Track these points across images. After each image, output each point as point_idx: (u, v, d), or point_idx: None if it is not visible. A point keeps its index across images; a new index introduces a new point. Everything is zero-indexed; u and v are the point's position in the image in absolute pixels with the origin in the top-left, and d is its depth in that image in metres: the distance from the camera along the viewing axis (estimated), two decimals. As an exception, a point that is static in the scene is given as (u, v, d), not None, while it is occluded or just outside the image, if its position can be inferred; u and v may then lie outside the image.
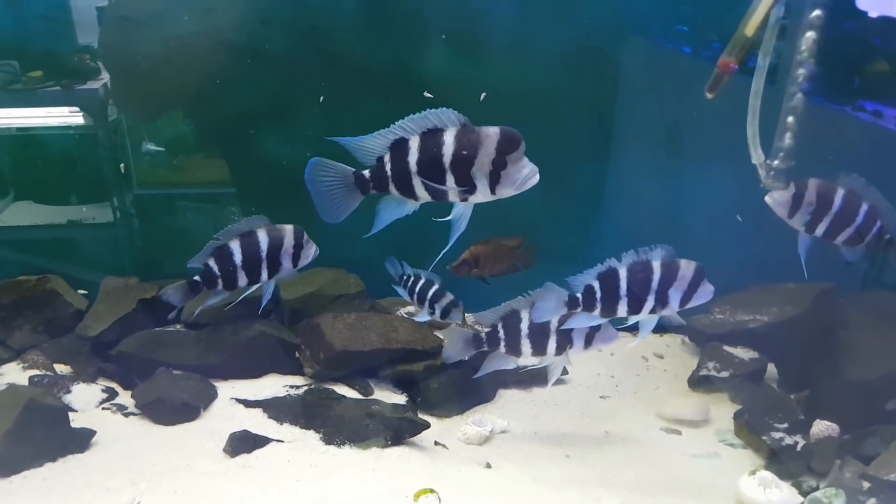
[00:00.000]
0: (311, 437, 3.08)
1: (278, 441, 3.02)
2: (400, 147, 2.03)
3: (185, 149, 4.09)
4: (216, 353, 3.37)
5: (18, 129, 3.99)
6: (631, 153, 4.26)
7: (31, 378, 3.26)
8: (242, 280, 2.78)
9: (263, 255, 2.65)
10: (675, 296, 2.51)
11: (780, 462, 3.09)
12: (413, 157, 1.99)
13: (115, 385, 3.40)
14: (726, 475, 3.03)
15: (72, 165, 4.15)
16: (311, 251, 2.81)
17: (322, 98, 3.73)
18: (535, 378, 3.75)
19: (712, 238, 3.92)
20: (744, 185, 3.93)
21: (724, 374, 3.66)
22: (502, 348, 2.85)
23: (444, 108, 1.99)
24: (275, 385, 3.38)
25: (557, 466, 3.09)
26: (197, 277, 2.81)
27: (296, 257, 2.72)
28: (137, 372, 3.39)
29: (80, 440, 2.94)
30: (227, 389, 3.34)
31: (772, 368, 3.73)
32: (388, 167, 2.05)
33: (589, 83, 4.04)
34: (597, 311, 2.55)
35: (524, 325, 2.77)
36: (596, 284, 2.52)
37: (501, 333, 2.83)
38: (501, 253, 3.16)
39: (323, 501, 2.67)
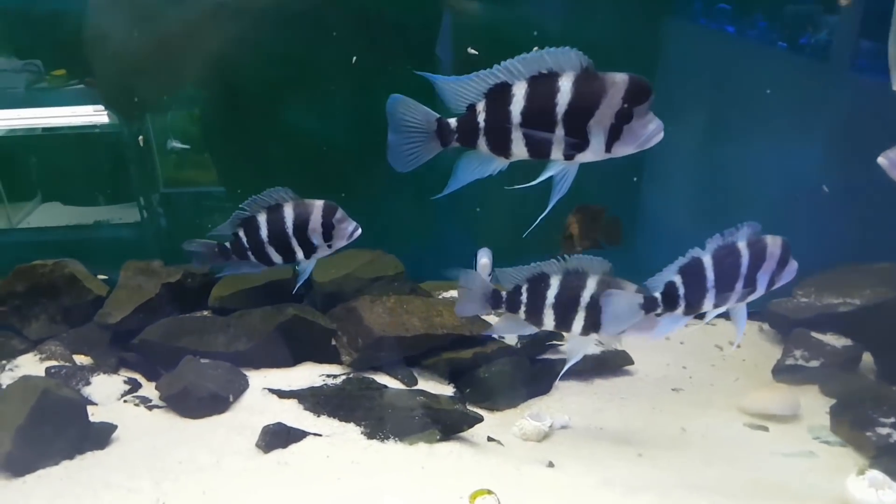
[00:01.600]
0: (352, 431, 2.75)
1: (316, 435, 2.70)
2: (500, 93, 1.76)
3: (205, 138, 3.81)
4: (246, 340, 3.07)
5: (44, 129, 3.84)
6: (694, 124, 3.88)
7: (47, 370, 3.00)
8: (276, 257, 2.58)
9: (291, 231, 2.47)
10: (762, 278, 2.21)
11: (889, 461, 2.66)
12: (516, 106, 1.74)
13: (138, 376, 3.13)
14: (825, 476, 2.63)
15: (98, 165, 3.99)
16: (346, 230, 2.54)
17: (354, 59, 3.41)
18: (597, 369, 3.39)
19: (792, 212, 3.63)
20: (830, 152, 3.64)
21: (814, 363, 3.25)
22: (522, 314, 2.49)
23: (565, 48, 1.71)
24: (310, 374, 3.06)
25: (629, 467, 2.72)
26: (227, 244, 2.62)
27: (327, 236, 2.48)
28: (162, 361, 3.11)
29: (100, 436, 2.66)
30: (259, 379, 3.03)
31: (867, 358, 3.30)
32: (481, 116, 1.78)
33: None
34: (679, 310, 2.25)
35: (551, 293, 2.40)
36: (678, 280, 2.22)
37: (524, 297, 2.46)
38: (593, 225, 2.79)
39: (367, 504, 2.35)
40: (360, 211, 3.57)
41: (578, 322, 2.43)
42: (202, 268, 2.95)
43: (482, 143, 1.82)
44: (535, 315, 2.47)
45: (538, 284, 2.43)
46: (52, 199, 4.11)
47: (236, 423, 2.79)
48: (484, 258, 3.08)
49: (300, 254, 2.59)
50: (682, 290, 2.26)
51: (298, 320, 3.11)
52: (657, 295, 2.32)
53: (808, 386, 3.23)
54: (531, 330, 2.54)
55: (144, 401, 2.94)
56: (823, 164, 3.54)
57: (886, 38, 2.63)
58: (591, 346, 2.51)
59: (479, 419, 2.81)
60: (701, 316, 2.36)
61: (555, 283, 2.41)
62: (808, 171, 3.53)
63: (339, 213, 2.54)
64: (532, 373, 3.29)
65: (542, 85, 1.74)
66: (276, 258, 2.61)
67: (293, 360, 3.13)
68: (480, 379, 3.15)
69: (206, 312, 3.31)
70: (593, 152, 1.78)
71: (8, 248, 3.94)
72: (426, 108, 1.85)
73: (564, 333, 2.52)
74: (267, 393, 2.93)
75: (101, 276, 3.46)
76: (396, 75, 3.54)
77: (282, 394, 2.93)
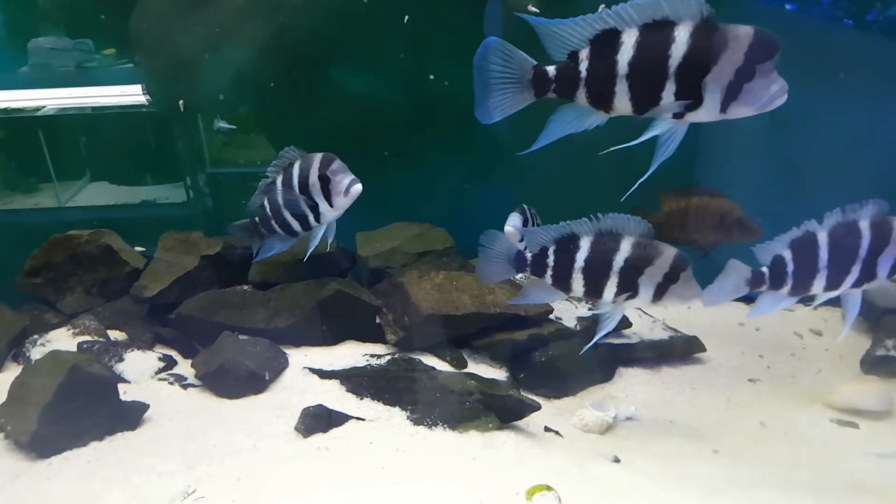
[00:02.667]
0: (398, 416, 2.54)
1: (358, 419, 2.49)
2: (608, 41, 1.61)
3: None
4: (287, 316, 2.87)
5: (94, 108, 3.73)
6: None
7: (79, 345, 2.86)
8: (294, 224, 2.45)
9: (297, 189, 2.33)
10: (884, 264, 1.99)
11: None
12: (625, 56, 1.60)
13: (174, 353, 2.97)
14: (930, 483, 2.32)
15: (145, 145, 3.92)
16: (341, 183, 2.28)
17: (407, 18, 3.17)
18: (665, 356, 3.11)
19: (861, 189, 3.35)
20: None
21: (910, 354, 2.90)
22: (549, 278, 2.23)
23: None
24: (353, 353, 2.85)
25: (706, 465, 2.44)
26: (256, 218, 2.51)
27: (325, 192, 2.28)
28: (199, 337, 2.94)
29: (131, 416, 2.50)
30: (300, 357, 2.83)
31: (973, 349, 2.94)
32: (583, 65, 1.64)
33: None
34: (786, 289, 2.06)
35: (580, 256, 2.15)
36: (788, 255, 2.02)
37: (551, 259, 2.21)
38: (709, 214, 2.50)
39: (414, 497, 2.12)
40: (409, 183, 3.34)
41: (610, 289, 2.16)
42: (250, 244, 2.79)
43: (581, 94, 1.68)
44: (562, 280, 2.22)
45: (567, 246, 2.18)
46: (101, 179, 4.06)
47: (275, 403, 2.60)
48: (511, 223, 2.76)
49: (310, 217, 2.40)
50: (791, 267, 2.02)
51: (341, 296, 2.90)
52: (764, 270, 2.08)
53: (903, 380, 2.89)
54: (559, 296, 2.29)
55: (179, 379, 2.78)
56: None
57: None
58: (622, 312, 2.22)
59: (537, 407, 2.56)
60: (809, 299, 2.09)
61: (585, 246, 2.16)
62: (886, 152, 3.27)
63: (336, 164, 2.31)
64: (593, 358, 3.02)
65: (656, 34, 1.59)
66: (295, 225, 2.47)
67: (336, 337, 2.93)
68: (536, 363, 2.91)
69: (246, 287, 3.13)
70: (707, 112, 1.61)
71: (55, 227, 3.88)
72: (524, 53, 1.71)
73: (596, 301, 2.26)
74: (308, 372, 2.74)
75: (138, 248, 3.31)
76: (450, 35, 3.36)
77: (323, 374, 2.73)
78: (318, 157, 2.29)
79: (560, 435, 2.59)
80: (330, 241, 2.61)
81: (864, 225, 1.97)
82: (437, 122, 3.49)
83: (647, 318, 3.29)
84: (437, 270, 3.12)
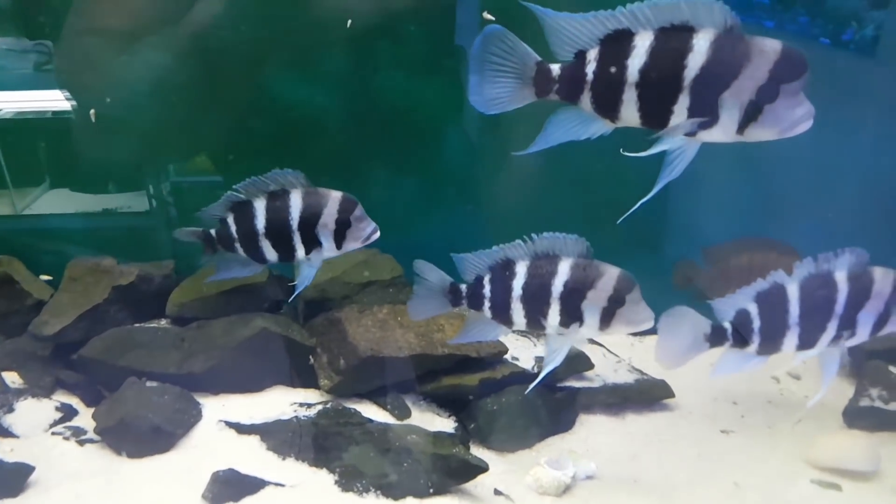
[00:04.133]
0: (324, 480, 2.21)
1: (277, 485, 2.16)
2: (619, 42, 1.47)
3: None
4: (203, 359, 2.52)
5: (54, 112, 3.46)
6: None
7: (-38, 390, 2.48)
8: (270, 253, 2.21)
9: (295, 224, 2.14)
10: (865, 320, 1.80)
11: None
12: (636, 60, 1.46)
13: (75, 401, 2.58)
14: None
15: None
16: (363, 230, 2.10)
17: (350, 22, 2.87)
18: (630, 401, 2.83)
19: (854, 219, 3.18)
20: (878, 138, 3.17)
21: (895, 405, 2.65)
22: (487, 311, 1.97)
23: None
24: (280, 402, 2.51)
25: (673, 535, 2.16)
26: (213, 231, 2.24)
27: (339, 235, 2.11)
28: (105, 383, 2.58)
29: (13, 481, 2.13)
30: (217, 408, 2.48)
31: (962, 399, 2.70)
32: (590, 67, 1.50)
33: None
34: (753, 348, 1.85)
35: (517, 283, 1.90)
36: (753, 309, 1.82)
37: (487, 290, 1.95)
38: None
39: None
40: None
41: (553, 317, 1.90)
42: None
43: (586, 98, 1.53)
44: (501, 311, 1.95)
45: (503, 273, 1.93)
46: (61, 186, 3.76)
47: (182, 465, 2.25)
48: None
49: (301, 252, 2.16)
50: (757, 323, 1.79)
51: (267, 334, 2.55)
52: (727, 325, 1.84)
53: (887, 434, 2.64)
54: (502, 331, 2.03)
55: (77, 433, 2.41)
56: (875, 164, 3.19)
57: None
58: (569, 344, 1.98)
59: (485, 468, 2.26)
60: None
61: (521, 271, 1.91)
62: (860, 172, 3.19)
63: (359, 209, 2.09)
64: (552, 404, 2.74)
65: (673, 40, 1.44)
66: (271, 254, 2.22)
67: (261, 383, 2.58)
68: (488, 412, 2.60)
69: (164, 321, 2.78)
70: (722, 131, 1.46)
71: (11, 236, 3.54)
72: (527, 47, 1.53)
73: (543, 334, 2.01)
74: (224, 426, 2.39)
75: (44, 277, 2.94)
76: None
77: (241, 428, 2.38)
78: (336, 197, 2.07)
79: (511, 500, 2.29)
80: (311, 277, 2.27)
81: (841, 276, 1.76)
82: (385, 135, 3.20)
83: (612, 359, 3.01)
84: (382, 304, 2.81)
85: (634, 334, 3.23)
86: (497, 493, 2.31)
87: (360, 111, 3.17)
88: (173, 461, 2.27)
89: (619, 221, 1.66)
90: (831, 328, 1.82)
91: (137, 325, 2.74)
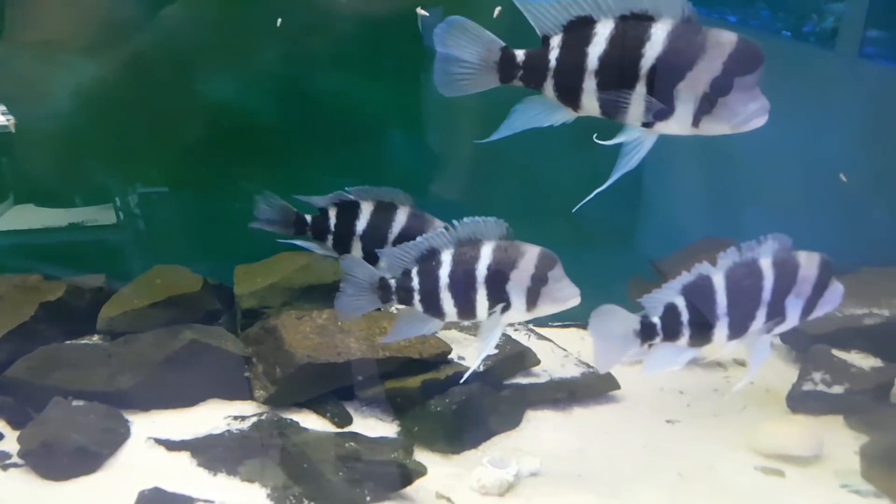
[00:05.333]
0: (256, 495, 2.15)
1: (206, 502, 2.09)
2: (581, 29, 1.47)
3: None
4: (131, 375, 2.44)
5: (17, 125, 3.28)
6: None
7: None
8: (357, 251, 2.25)
9: (391, 237, 2.19)
10: (793, 305, 1.80)
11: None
12: (596, 48, 1.46)
13: (2, 424, 2.47)
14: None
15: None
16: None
17: (280, 21, 2.80)
18: (577, 395, 2.80)
19: (798, 205, 3.20)
20: (838, 130, 3.19)
21: (837, 388, 2.67)
22: (417, 304, 1.94)
23: None
24: (214, 416, 2.45)
25: (616, 530, 2.14)
26: (308, 216, 2.29)
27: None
28: (35, 403, 2.47)
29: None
30: (147, 425, 2.41)
31: (902, 379, 2.72)
32: (553, 54, 1.50)
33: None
34: (683, 340, 1.83)
35: (444, 273, 1.87)
36: (680, 302, 1.80)
37: (415, 282, 1.91)
38: None
39: None
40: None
41: (482, 304, 1.87)
42: (263, 228, 2.42)
43: (549, 86, 1.52)
44: (431, 304, 1.92)
45: (429, 264, 1.89)
46: (26, 201, 3.63)
47: (109, 486, 2.17)
48: None
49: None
50: (686, 316, 1.77)
51: (198, 346, 2.49)
52: (656, 320, 1.81)
53: (831, 418, 2.65)
54: (435, 325, 2.00)
55: (2, 457, 2.31)
56: (834, 156, 3.20)
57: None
58: (501, 329, 1.94)
59: (422, 473, 2.21)
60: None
61: (446, 260, 1.88)
62: (819, 164, 3.17)
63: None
64: (498, 403, 2.70)
65: (631, 28, 1.42)
66: (357, 253, 2.25)
67: (194, 398, 2.51)
68: (432, 414, 2.55)
69: (96, 338, 2.70)
70: (678, 123, 1.45)
71: None
72: (491, 34, 1.53)
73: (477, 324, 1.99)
74: (153, 444, 2.32)
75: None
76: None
77: (171, 445, 2.31)
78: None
79: (452, 503, 2.25)
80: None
81: (766, 263, 1.74)
82: (323, 136, 3.13)
83: (560, 353, 2.99)
84: (323, 309, 2.74)
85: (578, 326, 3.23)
86: (439, 496, 2.26)
87: (307, 113, 3.11)
88: (100, 482, 2.20)
89: (574, 210, 1.66)
90: (760, 315, 1.81)
91: (68, 342, 2.66)
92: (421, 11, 2.83)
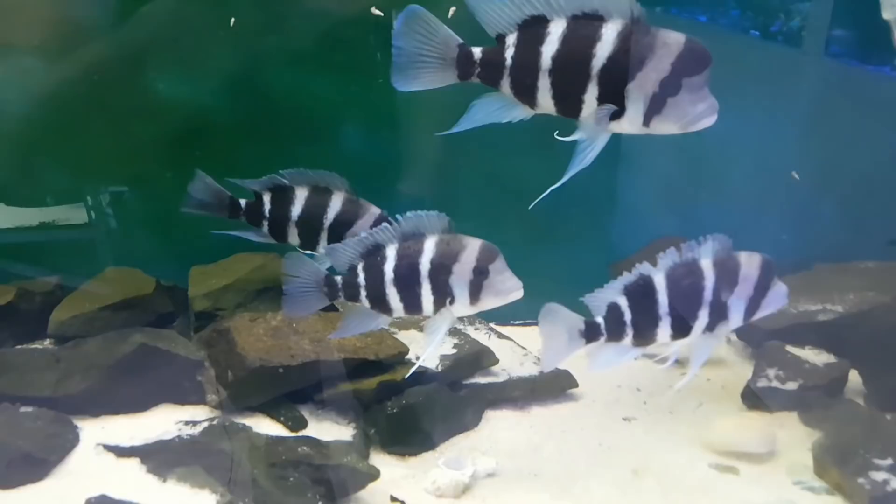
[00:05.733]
0: (206, 501, 2.12)
1: (155, 510, 2.07)
2: (535, 28, 1.48)
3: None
4: (79, 379, 2.40)
5: None
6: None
7: None
8: (293, 238, 2.32)
9: (327, 222, 2.22)
10: (735, 305, 1.81)
11: (887, 516, 2.14)
12: (549, 47, 1.47)
13: (-51, 428, 2.45)
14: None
15: None
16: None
17: (233, 21, 2.75)
18: (535, 394, 2.81)
19: (757, 202, 3.23)
20: (803, 128, 3.22)
21: (791, 385, 2.69)
22: (364, 300, 1.93)
23: None
24: (165, 421, 2.41)
25: (567, 529, 2.15)
26: (243, 201, 2.31)
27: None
28: (-19, 408, 2.44)
29: None
30: (96, 430, 2.37)
31: (854, 377, 2.76)
32: (509, 52, 1.51)
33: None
34: (627, 340, 1.84)
35: (389, 268, 1.86)
36: (623, 302, 1.82)
37: (361, 278, 1.90)
38: None
39: None
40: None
41: (427, 299, 1.86)
42: (194, 211, 2.43)
43: (506, 84, 1.53)
44: (378, 300, 1.91)
45: (374, 259, 1.88)
46: None
47: (56, 494, 2.13)
48: None
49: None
50: (628, 316, 1.78)
51: (148, 350, 2.45)
52: (599, 320, 1.82)
53: (785, 414, 2.67)
54: (382, 321, 1.99)
55: (-54, 463, 2.27)
56: (798, 154, 3.25)
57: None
58: (449, 322, 1.91)
59: (374, 475, 2.20)
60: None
61: (391, 255, 1.87)
62: (782, 161, 3.18)
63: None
64: (455, 403, 2.70)
65: (582, 28, 1.44)
66: (294, 239, 2.31)
67: (145, 402, 2.48)
68: (388, 415, 2.54)
69: (47, 342, 2.65)
70: (629, 123, 1.47)
71: None
72: (448, 29, 1.56)
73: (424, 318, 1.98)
74: (102, 450, 2.28)
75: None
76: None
77: (120, 451, 2.27)
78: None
79: (406, 505, 2.24)
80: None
81: (706, 264, 1.75)
82: (282, 134, 3.09)
83: (519, 352, 2.99)
84: (277, 310, 2.72)
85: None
86: (393, 499, 2.25)
87: (261, 111, 3.07)
88: (46, 490, 2.16)
89: (530, 207, 1.66)
90: (702, 315, 1.82)
91: (18, 346, 2.62)
92: (375, 11, 2.81)
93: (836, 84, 3.33)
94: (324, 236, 2.32)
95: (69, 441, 2.29)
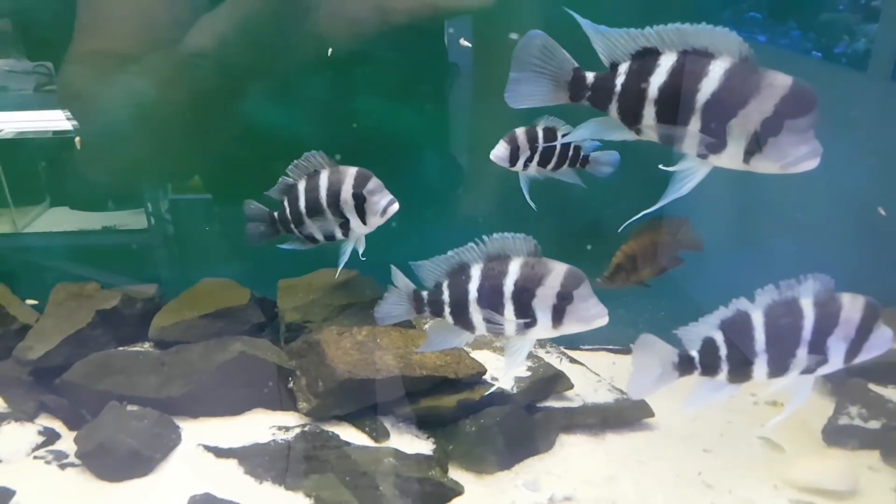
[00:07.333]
0: (299, 502, 2.22)
1: (252, 510, 2.18)
2: (647, 59, 1.55)
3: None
4: (182, 383, 2.55)
5: (54, 132, 3.59)
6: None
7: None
8: (317, 234, 2.38)
9: (325, 202, 2.27)
10: (837, 347, 1.77)
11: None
12: (657, 78, 1.53)
13: (58, 424, 2.61)
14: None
15: None
16: (379, 203, 2.21)
17: (330, 51, 2.91)
18: (609, 421, 2.83)
19: (844, 238, 3.17)
20: (866, 162, 3.16)
21: (874, 423, 2.65)
22: (448, 316, 1.99)
23: (724, 28, 1.49)
24: (259, 425, 2.53)
25: (648, 559, 2.16)
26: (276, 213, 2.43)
27: (359, 210, 2.21)
28: (88, 407, 2.60)
29: (-8, 504, 2.17)
30: (196, 431, 2.51)
31: (941, 416, 2.70)
32: (620, 79, 1.58)
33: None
34: (722, 376, 1.82)
35: (473, 287, 1.91)
36: (719, 337, 1.80)
37: (446, 295, 1.96)
38: (663, 244, 2.34)
39: None
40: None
41: (508, 318, 1.91)
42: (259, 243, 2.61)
43: (614, 108, 1.61)
44: (461, 316, 1.97)
45: (459, 278, 1.94)
46: (61, 204, 3.92)
47: (161, 489, 2.27)
48: (496, 154, 2.51)
49: (338, 232, 2.32)
50: (724, 351, 1.79)
51: (245, 358, 2.58)
52: (694, 354, 1.84)
53: (867, 452, 2.63)
54: (465, 337, 2.05)
55: (59, 456, 2.44)
56: (874, 184, 3.15)
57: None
58: (529, 345, 1.99)
59: (459, 491, 2.27)
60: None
61: (476, 274, 1.92)
62: (856, 191, 3.10)
63: (373, 182, 2.18)
64: (531, 425, 2.74)
65: (691, 63, 1.50)
66: (318, 234, 2.40)
67: (240, 407, 2.60)
68: (466, 433, 2.61)
69: (147, 345, 2.81)
70: (729, 158, 1.52)
71: (12, 253, 3.72)
72: (566, 53, 1.62)
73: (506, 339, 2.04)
74: (202, 450, 2.41)
75: (29, 302, 2.98)
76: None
77: (220, 452, 2.40)
78: (351, 173, 2.19)
79: (487, 522, 2.30)
80: (361, 252, 2.42)
81: (807, 303, 1.74)
82: (369, 158, 3.24)
83: (592, 378, 3.02)
84: (361, 326, 2.83)
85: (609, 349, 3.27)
86: (475, 515, 2.32)
87: (343, 135, 3.21)
88: (151, 485, 2.30)
89: (620, 230, 1.78)
90: (801, 355, 1.81)
91: (120, 348, 2.78)
92: (464, 42, 2.94)
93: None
94: (330, 214, 2.37)
95: (172, 440, 2.43)
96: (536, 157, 2.43)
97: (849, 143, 3.20)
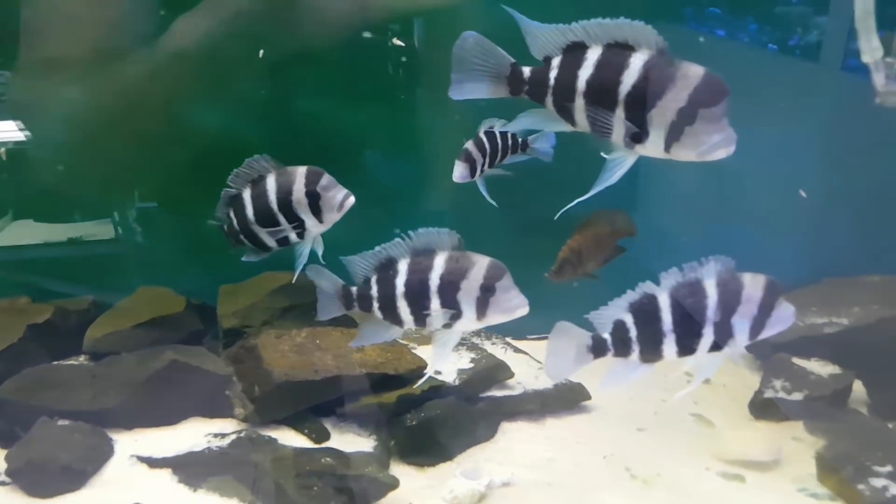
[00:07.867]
0: (235, 509, 2.24)
1: (187, 518, 2.18)
2: (576, 53, 1.60)
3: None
4: (114, 394, 2.53)
5: (15, 143, 3.43)
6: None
7: None
8: (268, 240, 2.23)
9: (275, 206, 2.16)
10: (741, 325, 1.81)
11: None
12: (585, 72, 1.59)
13: (-9, 442, 2.58)
14: (816, 542, 2.17)
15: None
16: (336, 198, 2.11)
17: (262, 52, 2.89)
18: (549, 406, 2.90)
19: (766, 220, 3.28)
20: (809, 150, 3.29)
21: (797, 395, 2.77)
22: (377, 311, 2.00)
23: (641, 23, 1.54)
24: (195, 434, 2.53)
25: (579, 538, 2.23)
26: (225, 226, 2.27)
27: (314, 208, 2.13)
28: (22, 423, 2.55)
29: (-82, 526, 2.13)
30: (129, 443, 2.50)
31: (859, 387, 2.83)
32: (553, 73, 1.62)
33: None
34: (634, 356, 1.85)
35: (400, 281, 1.92)
36: (629, 319, 1.84)
37: (374, 290, 1.98)
38: (603, 236, 2.41)
39: None
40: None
41: (435, 311, 1.92)
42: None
43: (549, 101, 1.65)
44: (389, 311, 1.97)
45: (387, 273, 1.95)
46: (25, 217, 3.74)
47: (94, 503, 2.26)
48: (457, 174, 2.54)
49: (291, 235, 2.18)
50: (633, 333, 1.84)
51: (178, 366, 2.57)
52: (606, 336, 1.89)
53: (790, 424, 2.75)
54: (395, 332, 2.04)
55: (-10, 475, 2.40)
56: (811, 168, 3.30)
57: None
58: (457, 337, 2.00)
59: (394, 485, 2.30)
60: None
61: (402, 269, 1.93)
62: (793, 176, 3.25)
63: (326, 178, 2.10)
64: (472, 415, 2.79)
65: (614, 56, 1.55)
66: (269, 241, 2.24)
67: (176, 416, 2.60)
68: (408, 427, 2.65)
69: (83, 358, 2.78)
70: (652, 147, 1.56)
71: None
72: (502, 50, 1.67)
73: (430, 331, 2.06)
74: (135, 461, 2.40)
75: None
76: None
77: (153, 462, 2.40)
78: (301, 172, 2.09)
79: (425, 514, 2.34)
80: (321, 253, 2.28)
81: (710, 283, 1.81)
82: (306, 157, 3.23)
83: (535, 365, 3.08)
84: (302, 328, 2.84)
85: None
86: (412, 508, 2.36)
87: (289, 135, 3.19)
88: (84, 499, 2.28)
89: (555, 217, 1.79)
90: (708, 334, 1.87)
91: (55, 362, 2.75)
92: (397, 42, 2.95)
93: (851, 98, 3.34)
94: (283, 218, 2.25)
95: (105, 453, 2.42)
96: (487, 160, 2.48)
97: (799, 129, 3.33)
